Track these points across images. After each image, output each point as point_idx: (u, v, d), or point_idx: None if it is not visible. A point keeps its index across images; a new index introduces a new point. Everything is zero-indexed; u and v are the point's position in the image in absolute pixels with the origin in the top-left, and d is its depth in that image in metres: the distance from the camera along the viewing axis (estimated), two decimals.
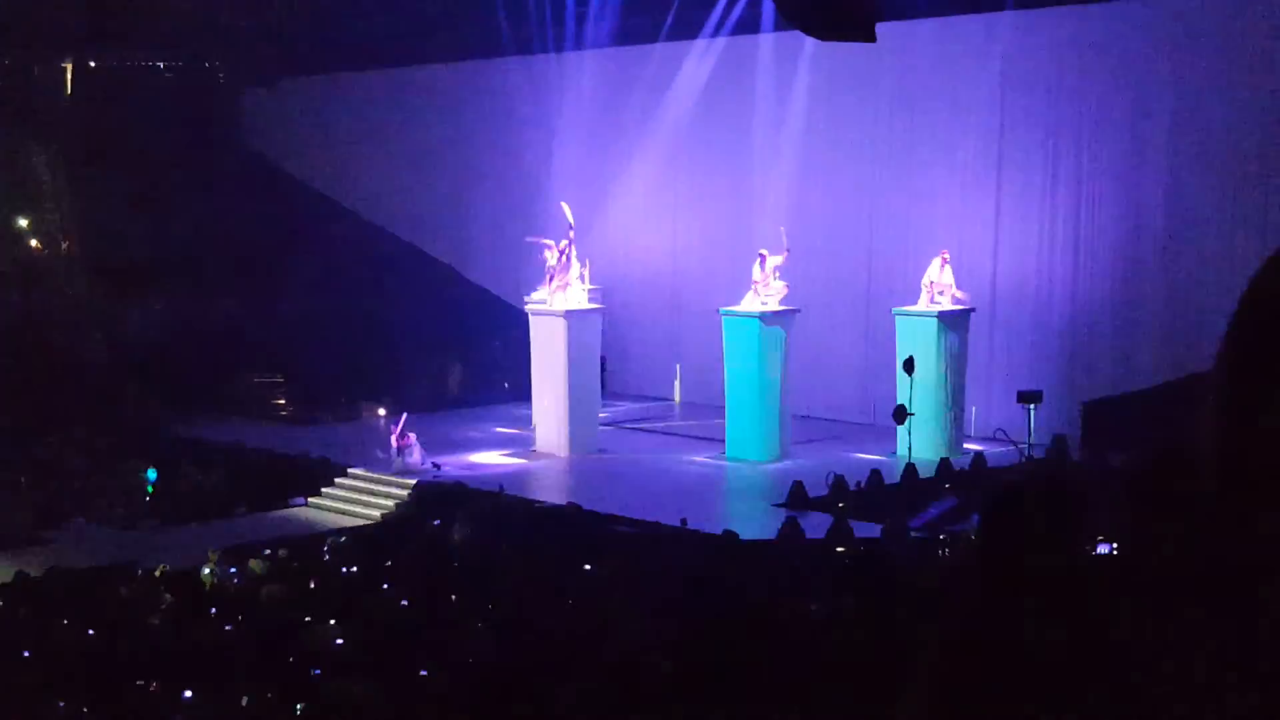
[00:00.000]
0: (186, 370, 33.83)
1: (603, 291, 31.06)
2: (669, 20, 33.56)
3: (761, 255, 27.97)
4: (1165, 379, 26.55)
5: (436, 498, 25.77)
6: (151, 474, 27.42)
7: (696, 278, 33.81)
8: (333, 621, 16.87)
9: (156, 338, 35.04)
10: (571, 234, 28.88)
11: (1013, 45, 29.25)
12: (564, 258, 28.84)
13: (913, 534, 21.73)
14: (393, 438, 27.74)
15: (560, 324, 28.64)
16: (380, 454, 27.67)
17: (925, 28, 30.07)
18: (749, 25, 32.50)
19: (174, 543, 24.03)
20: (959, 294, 27.97)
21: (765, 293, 27.82)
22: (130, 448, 29.11)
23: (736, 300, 28.26)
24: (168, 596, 19.03)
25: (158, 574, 20.75)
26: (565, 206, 29.25)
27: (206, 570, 20.73)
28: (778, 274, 27.94)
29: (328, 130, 41.14)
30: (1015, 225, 29.38)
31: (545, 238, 29.23)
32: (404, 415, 28.28)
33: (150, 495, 27.10)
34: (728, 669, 13.29)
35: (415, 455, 27.46)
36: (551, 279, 28.92)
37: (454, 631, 16.44)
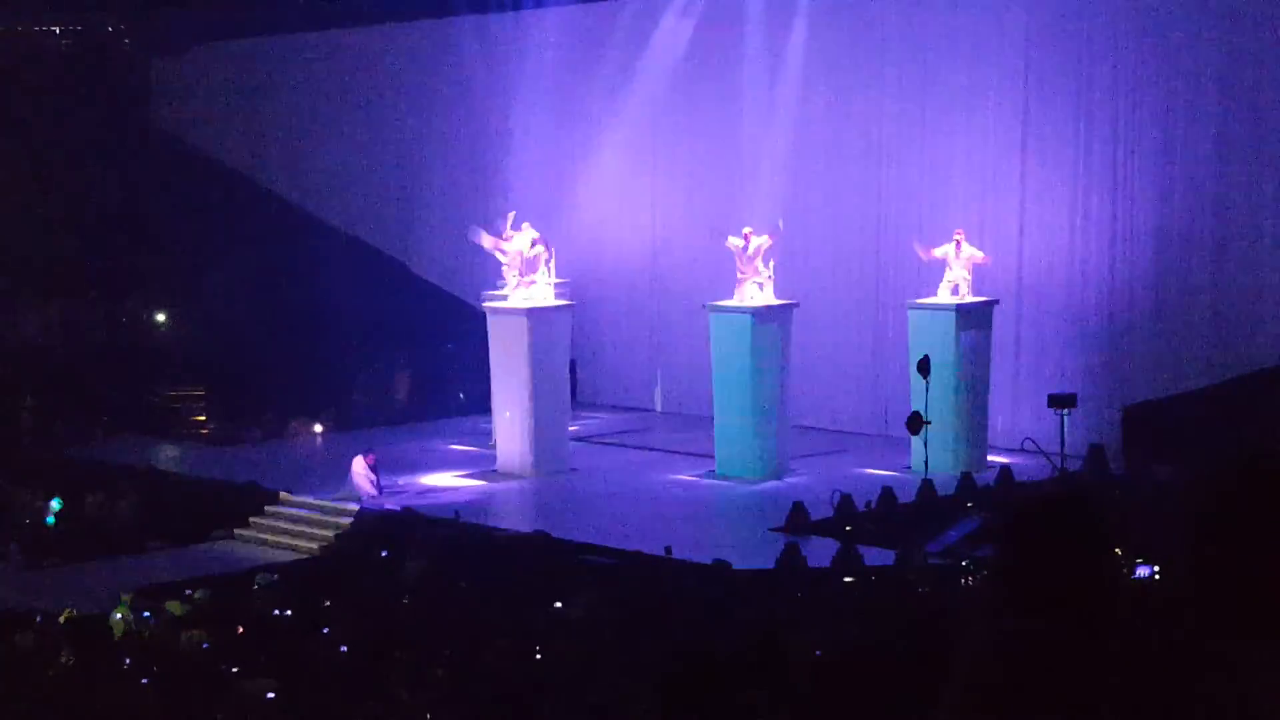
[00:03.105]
0: (90, 384, 33.68)
1: (571, 286, 31.04)
2: None
3: (745, 235, 27.85)
4: (1220, 378, 26.66)
5: (382, 527, 25.72)
6: (55, 504, 27.28)
7: (680, 268, 33.82)
8: (264, 672, 16.81)
9: (54, 346, 34.90)
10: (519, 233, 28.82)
11: None
12: (531, 245, 28.76)
13: (931, 560, 21.77)
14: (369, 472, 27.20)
15: (523, 323, 28.61)
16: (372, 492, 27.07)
17: None
18: None
19: (78, 584, 23.92)
20: (977, 255, 27.82)
21: (755, 276, 27.58)
22: (26, 474, 28.98)
23: (726, 293, 28.27)
24: (72, 646, 18.92)
25: (61, 620, 20.64)
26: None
27: (117, 615, 20.68)
28: (763, 259, 27.77)
29: (250, 104, 41.06)
30: (1044, 202, 29.44)
31: (500, 231, 29.04)
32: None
33: (51, 529, 26.97)
34: (721, 718, 13.29)
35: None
36: (519, 270, 28.72)
37: (404, 682, 16.41)
